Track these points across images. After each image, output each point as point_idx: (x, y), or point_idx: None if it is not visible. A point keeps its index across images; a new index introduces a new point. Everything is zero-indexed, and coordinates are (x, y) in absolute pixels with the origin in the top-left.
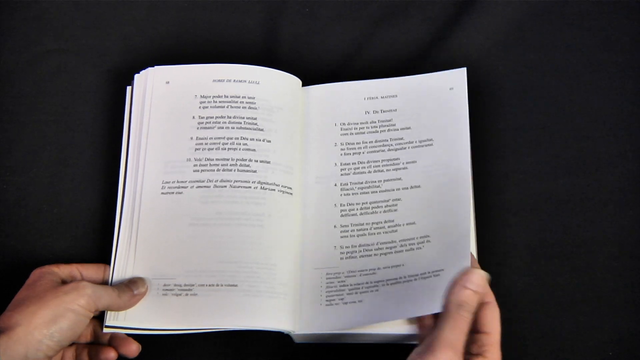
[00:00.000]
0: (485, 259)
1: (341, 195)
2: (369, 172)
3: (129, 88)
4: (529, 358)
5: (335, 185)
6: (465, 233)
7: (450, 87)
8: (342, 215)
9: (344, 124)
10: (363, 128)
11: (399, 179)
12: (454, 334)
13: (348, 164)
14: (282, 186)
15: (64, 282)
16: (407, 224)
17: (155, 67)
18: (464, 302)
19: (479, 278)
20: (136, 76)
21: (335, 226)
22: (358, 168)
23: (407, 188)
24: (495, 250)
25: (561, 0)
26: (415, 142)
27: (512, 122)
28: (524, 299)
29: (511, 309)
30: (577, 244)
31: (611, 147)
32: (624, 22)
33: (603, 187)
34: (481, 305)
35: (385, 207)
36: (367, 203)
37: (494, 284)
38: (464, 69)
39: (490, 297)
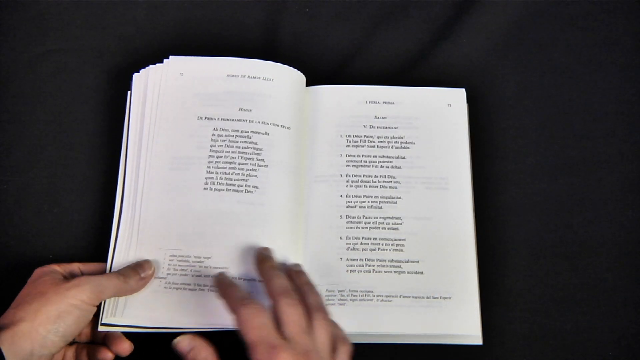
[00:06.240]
0: (485, 259)
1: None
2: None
3: (133, 83)
4: (529, 358)
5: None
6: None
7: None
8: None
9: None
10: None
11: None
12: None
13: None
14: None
15: (65, 279)
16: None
17: (171, 57)
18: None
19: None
20: (135, 75)
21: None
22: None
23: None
24: (495, 250)
25: (561, 0)
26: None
27: (512, 122)
28: (524, 299)
29: (511, 309)
30: (577, 244)
31: (611, 147)
32: (624, 22)
33: (603, 187)
34: None
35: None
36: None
37: (494, 284)
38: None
39: None
